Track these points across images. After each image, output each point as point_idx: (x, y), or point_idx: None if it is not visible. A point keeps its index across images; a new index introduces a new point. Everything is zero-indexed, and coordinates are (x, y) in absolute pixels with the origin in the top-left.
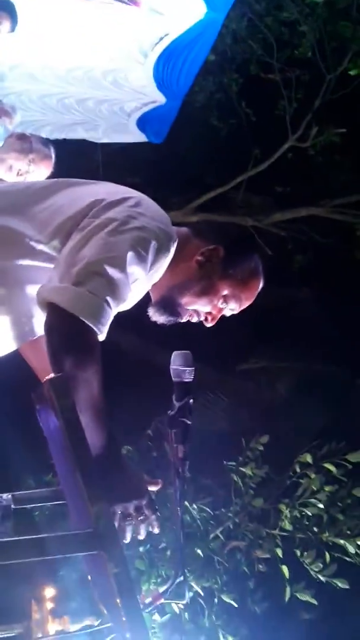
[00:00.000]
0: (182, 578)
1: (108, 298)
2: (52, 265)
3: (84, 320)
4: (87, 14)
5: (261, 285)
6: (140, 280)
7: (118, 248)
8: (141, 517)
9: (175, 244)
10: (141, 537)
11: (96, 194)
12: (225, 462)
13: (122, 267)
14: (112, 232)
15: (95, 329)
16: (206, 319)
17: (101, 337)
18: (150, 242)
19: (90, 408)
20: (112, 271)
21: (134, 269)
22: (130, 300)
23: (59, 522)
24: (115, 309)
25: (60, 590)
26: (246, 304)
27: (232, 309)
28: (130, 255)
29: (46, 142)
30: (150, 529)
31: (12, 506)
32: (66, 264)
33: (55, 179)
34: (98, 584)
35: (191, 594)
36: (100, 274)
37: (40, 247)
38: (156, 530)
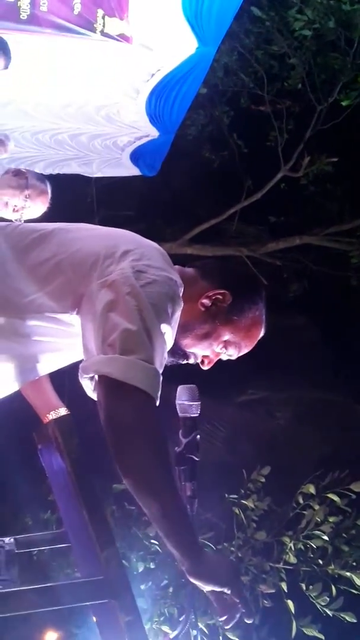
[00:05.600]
0: (193, 619)
1: (157, 363)
2: (57, 327)
3: (144, 390)
4: (79, 51)
5: (262, 333)
6: (167, 335)
7: (146, 309)
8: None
9: (182, 289)
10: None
11: (96, 253)
12: (226, 495)
13: (157, 328)
14: (132, 294)
15: (154, 397)
16: (202, 362)
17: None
18: (167, 295)
19: (174, 490)
20: (151, 334)
21: (165, 327)
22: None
23: (59, 560)
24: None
25: (63, 635)
26: (245, 352)
27: (230, 354)
28: (158, 314)
29: (42, 177)
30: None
31: (15, 550)
32: (100, 334)
33: (53, 228)
34: (107, 632)
35: (195, 632)
36: (143, 340)
37: (41, 307)
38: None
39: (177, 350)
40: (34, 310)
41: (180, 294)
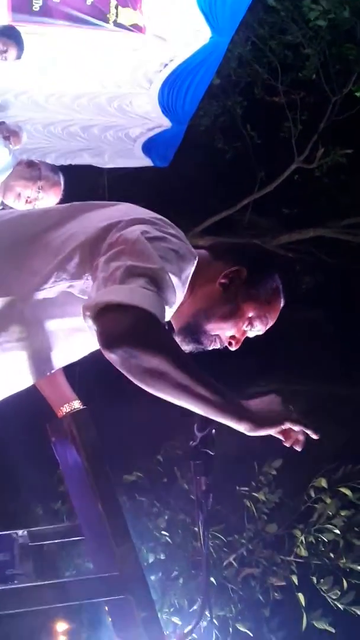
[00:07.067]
0: (208, 616)
1: (159, 292)
2: (70, 297)
3: (146, 309)
4: (92, 42)
5: (283, 303)
6: (176, 288)
7: (153, 256)
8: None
9: (195, 260)
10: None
11: (110, 217)
12: (237, 487)
13: (164, 271)
14: (138, 243)
15: (158, 317)
16: (230, 344)
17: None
18: (175, 252)
19: (192, 384)
20: (158, 273)
21: (173, 277)
22: (171, 310)
23: (69, 549)
24: (166, 307)
25: (73, 625)
26: (271, 324)
27: (257, 330)
28: (165, 262)
29: (55, 169)
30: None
31: (29, 543)
32: (102, 276)
33: (70, 205)
34: (122, 627)
35: (205, 623)
36: (144, 275)
37: (54, 276)
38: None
39: (203, 336)
40: (48, 282)
41: (193, 260)
